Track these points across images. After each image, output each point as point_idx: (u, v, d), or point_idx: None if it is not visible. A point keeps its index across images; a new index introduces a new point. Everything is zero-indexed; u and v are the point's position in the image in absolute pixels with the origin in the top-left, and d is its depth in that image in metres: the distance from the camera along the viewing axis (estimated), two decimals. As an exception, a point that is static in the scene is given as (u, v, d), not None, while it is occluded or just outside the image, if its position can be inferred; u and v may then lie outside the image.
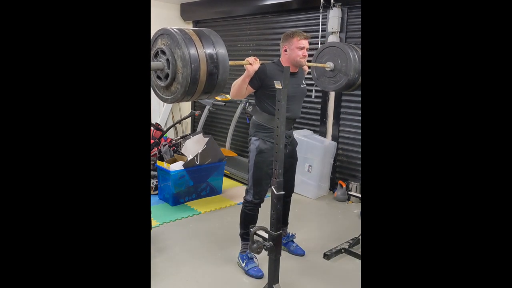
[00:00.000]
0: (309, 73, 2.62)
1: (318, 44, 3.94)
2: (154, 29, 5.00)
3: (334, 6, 3.67)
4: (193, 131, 5.62)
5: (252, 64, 2.08)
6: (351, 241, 2.71)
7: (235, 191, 3.93)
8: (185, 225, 3.09)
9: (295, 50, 2.24)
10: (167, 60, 1.49)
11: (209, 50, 1.50)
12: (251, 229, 1.84)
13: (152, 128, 4.16)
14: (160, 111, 5.34)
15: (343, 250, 2.64)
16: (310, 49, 4.03)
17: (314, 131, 4.07)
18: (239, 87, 2.19)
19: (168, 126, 5.27)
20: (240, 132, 5.05)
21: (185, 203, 3.52)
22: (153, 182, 3.70)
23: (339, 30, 3.72)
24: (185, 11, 5.39)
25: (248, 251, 2.40)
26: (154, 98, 5.42)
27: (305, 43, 2.26)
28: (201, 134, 3.86)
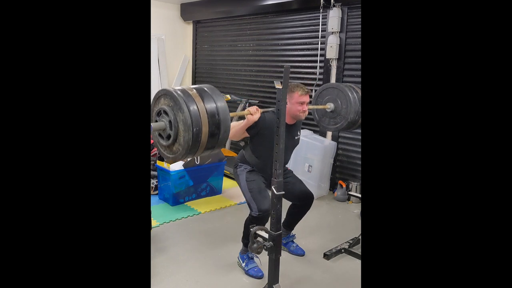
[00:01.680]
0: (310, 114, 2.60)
1: (318, 44, 3.95)
2: (154, 29, 4.92)
3: (334, 6, 3.67)
4: (193, 131, 5.61)
5: (253, 115, 2.08)
6: (351, 241, 2.71)
7: (235, 191, 3.92)
8: (185, 225, 3.09)
9: (296, 105, 2.26)
10: (170, 122, 1.50)
11: (211, 110, 1.49)
12: (251, 229, 1.84)
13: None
14: (160, 111, 5.34)
15: (343, 250, 2.64)
16: (310, 49, 4.07)
17: (314, 131, 4.07)
18: (236, 132, 2.21)
19: (168, 126, 5.25)
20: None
21: (185, 203, 3.52)
22: (153, 182, 3.70)
23: (339, 30, 3.72)
24: (185, 11, 5.39)
25: (247, 252, 2.40)
26: (154, 98, 5.40)
27: (306, 98, 2.28)
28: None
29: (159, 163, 3.54)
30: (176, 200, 3.46)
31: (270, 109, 2.26)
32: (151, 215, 2.88)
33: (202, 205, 3.50)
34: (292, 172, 2.62)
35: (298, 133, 2.48)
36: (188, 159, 1.48)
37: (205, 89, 1.55)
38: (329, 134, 4.02)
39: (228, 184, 4.11)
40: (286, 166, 2.59)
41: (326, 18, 3.81)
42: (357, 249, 2.63)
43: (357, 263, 2.52)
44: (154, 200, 3.60)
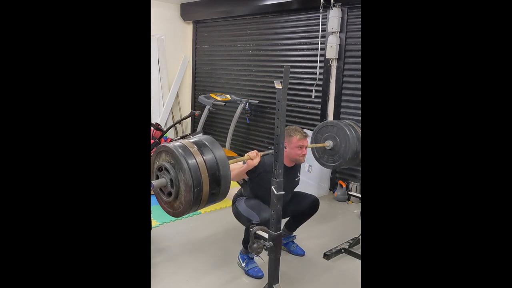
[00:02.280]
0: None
1: (318, 44, 3.95)
2: (154, 29, 4.92)
3: (334, 6, 3.67)
4: (193, 131, 5.63)
5: (253, 159, 2.07)
6: (351, 241, 2.71)
7: (235, 191, 3.92)
8: (185, 225, 3.09)
9: (295, 149, 2.25)
10: (171, 180, 1.49)
11: (212, 166, 1.49)
12: (251, 229, 1.84)
13: (152, 128, 4.16)
14: (160, 111, 5.34)
15: (343, 250, 2.64)
16: (310, 49, 4.07)
17: (314, 131, 4.07)
18: (235, 176, 2.20)
19: (168, 126, 5.27)
20: (240, 132, 5.06)
21: (185, 203, 3.52)
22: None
23: (339, 30, 3.72)
24: (185, 11, 5.40)
25: (248, 253, 2.40)
26: (154, 98, 5.41)
27: (304, 142, 2.27)
28: (201, 134, 3.85)
29: (159, 163, 3.54)
30: (176, 200, 3.46)
31: (269, 151, 2.25)
32: (151, 215, 2.88)
33: (202, 205, 3.49)
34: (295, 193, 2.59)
35: (298, 174, 2.47)
36: (188, 213, 1.51)
37: (205, 143, 1.55)
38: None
39: (228, 184, 4.10)
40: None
41: (326, 18, 3.81)
42: (357, 249, 2.63)
43: (357, 263, 2.52)
44: (154, 200, 3.57)
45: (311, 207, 2.54)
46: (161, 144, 1.57)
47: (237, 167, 2.18)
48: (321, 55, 3.94)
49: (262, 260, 2.40)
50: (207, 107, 4.78)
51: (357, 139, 2.43)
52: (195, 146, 1.51)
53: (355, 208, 3.59)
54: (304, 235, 2.86)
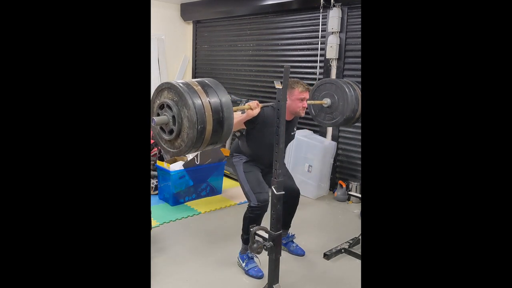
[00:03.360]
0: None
1: (318, 44, 3.95)
2: (154, 29, 4.92)
3: (334, 6, 3.67)
4: (193, 131, 5.61)
5: (253, 110, 2.07)
6: (351, 241, 2.71)
7: (235, 191, 3.92)
8: (185, 225, 3.09)
9: (296, 101, 2.25)
10: (173, 117, 1.47)
11: (216, 107, 1.47)
12: (251, 229, 1.84)
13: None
14: (160, 111, 5.34)
15: (343, 250, 2.64)
16: (310, 49, 4.07)
17: (314, 131, 4.07)
18: (234, 125, 2.20)
19: (168, 126, 5.25)
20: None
21: (185, 203, 3.52)
22: (153, 182, 3.70)
23: (339, 30, 3.72)
24: (185, 11, 5.39)
25: (248, 251, 2.40)
26: (154, 98, 5.39)
27: (306, 95, 2.27)
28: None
29: (159, 163, 3.54)
30: (176, 200, 3.46)
31: (270, 104, 2.25)
32: (151, 215, 2.88)
33: (202, 205, 3.50)
34: (284, 165, 2.59)
35: (294, 129, 2.48)
36: (189, 154, 1.47)
37: (209, 84, 1.52)
38: (329, 134, 4.02)
39: (228, 184, 4.11)
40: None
41: (326, 18, 3.81)
42: (357, 249, 2.63)
43: (357, 263, 2.52)
44: (154, 200, 3.60)
45: (287, 193, 2.47)
46: (162, 82, 1.54)
47: (236, 116, 2.16)
48: (321, 55, 3.94)
49: (258, 260, 2.40)
50: (207, 107, 4.77)
51: (355, 98, 2.41)
52: (198, 85, 1.49)
53: (355, 208, 3.59)
54: (304, 235, 2.86)
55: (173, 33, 5.43)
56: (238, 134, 2.41)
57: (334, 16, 3.68)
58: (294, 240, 2.69)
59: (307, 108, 2.44)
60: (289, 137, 2.43)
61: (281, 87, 1.72)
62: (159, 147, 3.89)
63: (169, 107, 1.48)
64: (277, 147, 1.76)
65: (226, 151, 4.67)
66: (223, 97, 1.50)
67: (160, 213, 3.28)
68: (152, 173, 3.70)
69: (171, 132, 1.50)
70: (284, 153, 2.49)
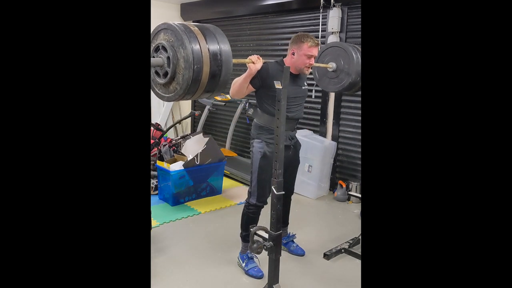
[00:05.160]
0: (310, 74, 2.61)
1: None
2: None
3: (334, 6, 3.67)
4: (193, 131, 5.62)
5: (255, 63, 1.99)
6: (351, 241, 2.71)
7: (235, 191, 3.92)
8: (185, 225, 3.09)
9: (303, 57, 2.16)
10: (168, 58, 1.42)
11: (213, 49, 1.41)
12: (251, 229, 1.84)
13: (152, 128, 4.16)
14: (160, 111, 5.35)
15: (343, 250, 2.64)
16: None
17: (314, 131, 4.07)
18: (240, 86, 2.13)
19: (168, 126, 5.27)
20: (240, 132, 5.05)
21: (185, 203, 3.52)
22: (153, 182, 3.70)
23: (339, 30, 3.72)
24: (185, 11, 5.39)
25: (248, 251, 2.40)
26: (154, 98, 5.42)
27: (315, 51, 2.17)
28: (201, 134, 3.86)
29: (159, 163, 3.54)
30: (176, 200, 3.46)
31: (271, 60, 2.20)
32: (151, 215, 2.88)
33: (202, 205, 3.50)
34: (298, 153, 2.48)
35: (305, 83, 2.34)
36: (185, 99, 1.49)
37: (208, 28, 1.47)
38: (329, 134, 4.02)
39: (228, 184, 4.11)
40: (295, 131, 2.42)
41: (326, 18, 3.81)
42: (357, 249, 2.63)
43: (357, 263, 2.52)
44: (154, 200, 3.60)
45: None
46: (159, 24, 1.49)
47: (239, 77, 2.11)
48: (321, 55, 3.94)
49: (258, 260, 2.40)
50: (207, 107, 4.78)
51: (360, 60, 2.36)
52: (196, 27, 1.45)
53: (355, 208, 3.59)
54: (304, 235, 2.86)
55: (173, 33, 5.42)
56: (251, 111, 2.34)
57: (334, 16, 3.68)
58: (294, 240, 2.68)
59: (310, 73, 2.35)
60: (300, 91, 2.29)
61: (281, 87, 1.71)
62: (159, 146, 3.89)
63: (164, 48, 1.43)
64: (277, 146, 1.75)
65: (226, 151, 4.67)
66: (222, 42, 1.45)
67: (160, 213, 3.28)
68: (152, 173, 3.70)
69: (165, 74, 1.45)
70: (301, 111, 2.36)
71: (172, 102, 5.46)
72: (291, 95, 2.15)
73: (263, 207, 2.35)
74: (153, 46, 1.48)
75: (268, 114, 2.24)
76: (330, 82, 2.55)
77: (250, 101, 4.67)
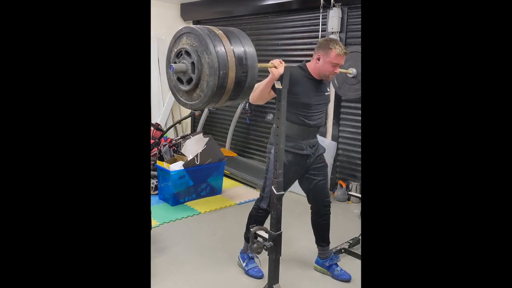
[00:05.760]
0: None
1: (318, 44, 3.94)
2: (154, 29, 4.91)
3: (334, 6, 3.67)
4: (193, 131, 5.62)
5: (277, 67, 1.86)
6: (351, 241, 2.71)
7: (235, 191, 3.92)
8: (185, 225, 3.09)
9: (329, 65, 2.03)
10: (192, 63, 1.35)
11: (239, 53, 1.35)
12: (251, 229, 1.84)
13: (152, 128, 4.16)
14: (160, 111, 5.34)
15: (343, 250, 2.63)
16: (310, 49, 4.06)
17: (314, 131, 4.07)
18: (261, 92, 1.98)
19: (168, 126, 5.27)
20: (240, 132, 5.05)
21: (185, 203, 3.52)
22: (153, 182, 3.70)
23: (339, 30, 3.72)
24: (185, 11, 5.39)
25: (249, 251, 2.39)
26: (154, 98, 5.40)
27: (342, 60, 2.05)
28: (201, 134, 3.86)
29: (159, 163, 3.54)
30: (176, 200, 3.46)
31: (294, 65, 2.09)
32: (151, 215, 2.88)
33: (202, 205, 3.50)
34: (325, 162, 2.30)
35: (328, 89, 2.21)
36: (209, 106, 1.40)
37: (233, 31, 1.41)
38: (329, 134, 4.02)
39: (228, 184, 4.11)
40: (316, 140, 2.26)
41: (326, 18, 3.81)
42: (357, 249, 2.63)
43: (357, 263, 2.52)
44: (154, 200, 3.60)
45: (317, 202, 2.35)
46: (181, 28, 1.41)
47: (260, 83, 1.97)
48: (321, 55, 3.93)
49: (259, 260, 2.39)
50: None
51: None
52: (220, 30, 1.38)
53: (355, 208, 3.59)
54: (304, 235, 2.86)
55: (173, 33, 5.40)
56: (270, 116, 2.22)
57: (334, 16, 3.68)
58: (338, 263, 2.39)
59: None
60: (323, 98, 2.17)
61: (281, 87, 1.71)
62: (159, 146, 3.89)
63: (187, 53, 1.36)
64: (277, 147, 1.75)
65: (226, 151, 4.67)
66: (247, 44, 1.38)
67: (160, 213, 3.28)
68: (152, 173, 3.70)
69: (189, 81, 1.38)
70: (323, 118, 2.22)
71: (172, 102, 5.46)
72: (314, 102, 2.09)
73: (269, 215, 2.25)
74: (174, 51, 1.42)
75: (289, 121, 2.06)
76: (350, 88, 2.45)
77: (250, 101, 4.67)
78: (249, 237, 2.32)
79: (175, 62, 1.40)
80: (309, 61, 2.16)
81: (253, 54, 1.38)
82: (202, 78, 1.34)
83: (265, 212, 2.26)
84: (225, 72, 1.30)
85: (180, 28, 1.41)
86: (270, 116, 2.23)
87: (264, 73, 1.86)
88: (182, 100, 1.46)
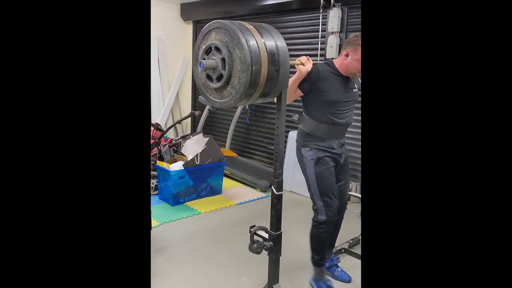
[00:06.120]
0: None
1: (318, 44, 3.95)
2: (154, 29, 4.93)
3: (334, 6, 3.67)
4: (193, 131, 5.62)
5: (305, 65, 1.83)
6: (351, 241, 2.71)
7: (235, 191, 3.92)
8: (185, 225, 3.09)
9: (357, 62, 1.93)
10: (223, 59, 1.31)
11: (271, 48, 1.29)
12: (251, 229, 1.84)
13: (152, 128, 4.16)
14: (160, 111, 5.35)
15: (343, 250, 2.64)
16: (310, 49, 4.07)
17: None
18: (288, 90, 1.84)
19: (168, 126, 5.27)
20: (240, 132, 5.05)
21: (185, 203, 3.52)
22: (153, 182, 3.70)
23: (339, 30, 3.72)
24: (185, 11, 5.40)
25: (325, 277, 2.21)
26: (154, 98, 5.40)
27: None
28: (201, 134, 3.86)
29: (159, 163, 3.54)
30: (176, 200, 3.46)
31: (320, 62, 2.02)
32: (151, 215, 2.88)
33: (202, 205, 3.50)
34: (348, 162, 2.20)
35: (355, 86, 2.10)
36: (239, 104, 1.37)
37: (263, 25, 1.36)
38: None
39: (228, 184, 4.11)
40: (345, 140, 2.18)
41: (326, 18, 3.81)
42: (357, 249, 2.63)
43: (357, 263, 2.52)
44: (154, 200, 3.60)
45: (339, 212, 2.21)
46: (209, 23, 1.35)
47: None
48: (321, 55, 3.94)
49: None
50: (207, 107, 4.78)
51: None
52: (251, 24, 1.34)
53: (355, 208, 3.59)
54: (304, 235, 2.86)
55: (173, 33, 5.43)
56: (296, 117, 2.13)
57: (334, 16, 3.68)
58: (338, 264, 2.40)
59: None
60: (351, 94, 2.06)
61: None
62: (159, 146, 3.89)
63: (217, 49, 1.31)
64: (277, 147, 1.75)
65: (226, 151, 4.67)
66: (279, 40, 1.33)
67: (160, 213, 3.28)
68: (152, 173, 3.70)
69: (219, 78, 1.33)
70: (351, 116, 2.12)
71: (171, 102, 5.46)
72: (343, 99, 2.01)
73: (334, 222, 2.11)
74: (203, 47, 1.37)
75: (317, 120, 2.02)
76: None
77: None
78: (319, 260, 2.14)
79: (203, 59, 1.35)
80: (334, 58, 2.10)
81: (284, 49, 1.33)
82: (233, 74, 1.30)
83: (325, 225, 2.06)
84: (257, 68, 1.26)
85: (209, 23, 1.36)
86: (295, 116, 2.14)
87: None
88: (212, 98, 1.41)
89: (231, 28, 1.27)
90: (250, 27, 1.31)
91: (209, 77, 1.38)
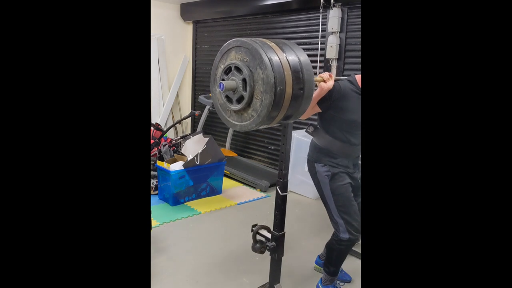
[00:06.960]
0: None
1: (318, 44, 3.95)
2: (154, 29, 4.94)
3: (334, 6, 3.67)
4: (193, 131, 5.62)
5: (327, 82, 1.76)
6: (351, 241, 2.70)
7: (235, 191, 3.92)
8: (185, 225, 3.09)
9: None
10: (244, 80, 1.22)
11: (294, 66, 1.20)
12: (253, 228, 1.83)
13: (152, 128, 4.16)
14: (160, 111, 5.34)
15: (343, 250, 2.63)
16: (310, 49, 4.07)
17: (314, 131, 4.07)
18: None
19: (168, 126, 5.26)
20: (240, 132, 5.05)
21: (185, 203, 3.52)
22: (153, 182, 3.69)
23: (339, 30, 3.72)
24: (185, 11, 5.39)
25: (334, 282, 2.18)
26: (154, 98, 5.40)
27: None
28: (201, 134, 3.86)
29: (159, 163, 3.54)
30: (176, 200, 3.46)
31: (342, 77, 1.95)
32: (151, 215, 2.88)
33: (202, 205, 3.49)
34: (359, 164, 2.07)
35: None
36: (260, 127, 1.28)
37: (284, 41, 1.27)
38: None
39: (228, 184, 4.11)
40: (358, 160, 2.09)
41: (326, 18, 3.81)
42: (357, 249, 2.63)
43: (357, 263, 2.52)
44: (154, 200, 3.59)
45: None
46: (229, 42, 1.27)
47: None
48: (321, 55, 3.94)
49: None
50: (207, 107, 4.78)
51: None
52: (273, 42, 1.25)
53: (355, 208, 3.59)
54: (304, 235, 2.86)
55: (173, 33, 5.43)
56: (311, 129, 2.04)
57: (334, 16, 3.68)
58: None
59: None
60: None
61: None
62: (159, 146, 3.88)
63: (238, 69, 1.22)
64: (284, 147, 1.73)
65: (226, 151, 4.67)
66: (302, 56, 1.24)
67: (160, 213, 3.28)
68: (152, 173, 3.69)
69: (240, 100, 1.24)
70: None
71: (171, 102, 5.46)
72: (360, 119, 1.87)
73: (358, 239, 2.00)
74: (222, 67, 1.28)
75: (335, 138, 1.93)
76: None
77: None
78: (335, 272, 2.09)
79: (222, 79, 1.27)
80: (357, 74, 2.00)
81: (308, 65, 1.24)
82: (255, 96, 1.21)
83: (349, 242, 1.97)
84: (282, 89, 1.17)
85: (228, 41, 1.28)
86: (310, 129, 2.04)
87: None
88: (230, 120, 1.33)
89: (252, 47, 1.20)
90: (272, 44, 1.24)
91: (228, 99, 1.29)
